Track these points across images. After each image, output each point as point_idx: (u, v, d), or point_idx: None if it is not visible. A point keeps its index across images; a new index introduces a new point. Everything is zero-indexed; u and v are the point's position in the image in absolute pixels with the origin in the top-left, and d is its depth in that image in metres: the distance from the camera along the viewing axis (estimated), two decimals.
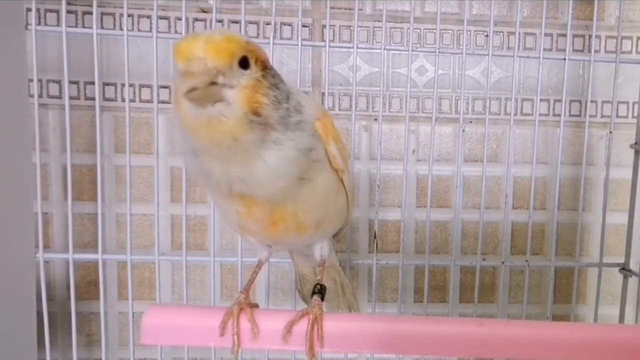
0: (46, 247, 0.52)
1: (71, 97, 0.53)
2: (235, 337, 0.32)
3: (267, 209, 0.32)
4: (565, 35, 0.57)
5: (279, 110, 0.28)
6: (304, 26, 0.57)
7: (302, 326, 0.32)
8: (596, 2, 0.55)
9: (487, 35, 0.59)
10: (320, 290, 0.35)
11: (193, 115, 0.27)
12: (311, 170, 0.31)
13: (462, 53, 0.52)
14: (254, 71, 0.28)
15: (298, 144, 0.29)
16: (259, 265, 0.39)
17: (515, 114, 0.60)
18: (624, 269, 0.57)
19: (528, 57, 0.56)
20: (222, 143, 0.27)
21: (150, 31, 0.51)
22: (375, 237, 0.57)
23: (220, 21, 0.56)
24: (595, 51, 0.56)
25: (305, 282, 0.47)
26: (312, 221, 0.34)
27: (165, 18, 0.56)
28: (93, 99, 0.55)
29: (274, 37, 0.51)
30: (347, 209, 0.38)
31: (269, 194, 0.30)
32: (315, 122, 0.31)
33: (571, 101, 0.61)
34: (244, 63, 0.27)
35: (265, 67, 0.28)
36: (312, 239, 0.37)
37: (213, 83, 0.26)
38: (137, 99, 0.57)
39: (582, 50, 0.60)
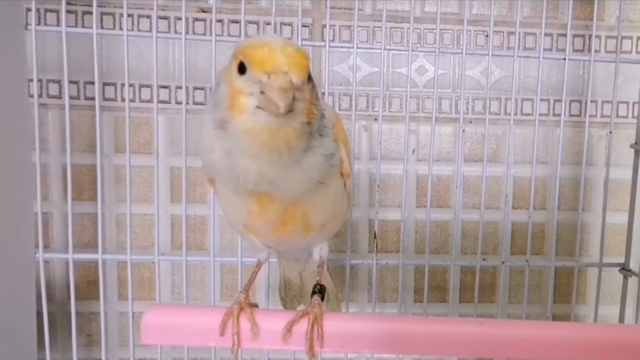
0: (46, 247, 0.52)
1: (71, 97, 0.53)
2: (235, 337, 0.32)
3: (281, 209, 0.32)
4: (565, 35, 0.57)
5: (319, 119, 0.30)
6: (304, 26, 0.57)
7: (302, 326, 0.32)
8: (596, 2, 0.55)
9: (487, 35, 0.59)
10: (320, 290, 0.35)
11: (261, 122, 0.27)
12: (328, 175, 0.32)
13: (462, 53, 0.52)
14: (310, 84, 0.29)
15: (325, 150, 0.31)
16: (258, 265, 0.39)
17: (515, 114, 0.60)
18: (624, 269, 0.57)
19: (528, 57, 0.56)
20: (279, 149, 0.28)
21: (150, 31, 0.51)
22: (375, 237, 0.57)
23: (220, 21, 0.56)
24: (595, 51, 0.55)
25: (289, 288, 0.47)
26: (319, 222, 0.34)
27: (165, 18, 0.56)
28: (93, 99, 0.55)
29: None
30: (346, 211, 0.38)
31: (291, 195, 0.31)
32: (332, 127, 0.32)
33: (571, 101, 0.61)
34: (309, 78, 0.29)
35: (310, 77, 0.29)
36: (315, 240, 0.37)
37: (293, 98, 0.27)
38: (137, 99, 0.57)
39: (582, 50, 0.60)
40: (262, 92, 0.27)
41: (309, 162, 0.30)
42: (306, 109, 0.28)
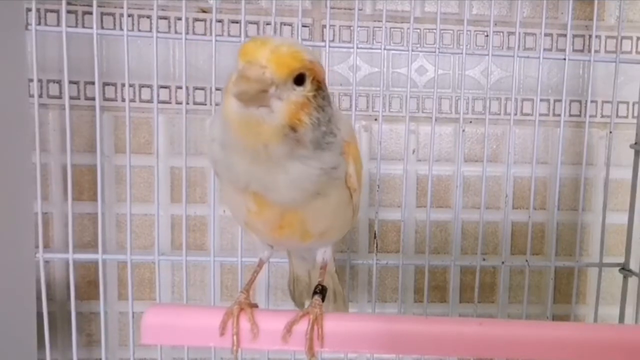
0: (46, 247, 0.52)
1: (71, 97, 0.53)
2: (235, 337, 0.32)
3: (278, 213, 0.32)
4: (565, 35, 0.57)
5: (316, 131, 0.29)
6: (304, 26, 0.57)
7: (302, 326, 0.32)
8: (596, 2, 0.55)
9: (487, 35, 0.59)
10: (321, 291, 0.35)
11: (236, 111, 0.27)
12: (329, 187, 0.32)
13: (462, 53, 0.52)
14: (307, 89, 0.28)
15: (323, 163, 0.30)
16: (260, 264, 0.39)
17: (515, 114, 0.60)
18: (624, 269, 0.57)
19: (528, 57, 0.56)
20: (253, 145, 0.28)
21: (150, 31, 0.51)
22: (375, 237, 0.57)
23: (220, 21, 0.56)
24: (595, 51, 0.55)
25: (297, 283, 0.47)
26: (317, 230, 0.34)
27: (165, 18, 0.56)
28: (93, 99, 0.55)
29: None
30: (351, 221, 0.38)
31: (283, 201, 0.31)
32: (344, 144, 0.32)
33: (571, 101, 0.61)
34: (299, 80, 0.28)
35: (319, 87, 0.29)
36: (314, 245, 0.37)
37: (264, 91, 0.27)
38: (137, 99, 0.57)
39: (582, 50, 0.60)
40: None
41: (299, 172, 0.29)
42: (290, 112, 0.28)
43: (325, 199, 0.32)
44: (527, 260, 0.56)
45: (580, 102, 0.61)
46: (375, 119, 0.59)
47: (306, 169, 0.30)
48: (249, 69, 0.26)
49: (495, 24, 0.59)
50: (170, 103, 0.58)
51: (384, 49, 0.52)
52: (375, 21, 0.59)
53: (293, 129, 0.28)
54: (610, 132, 0.54)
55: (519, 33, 0.58)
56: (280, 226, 0.33)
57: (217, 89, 0.50)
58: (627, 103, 0.61)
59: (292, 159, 0.29)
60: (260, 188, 0.30)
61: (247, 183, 0.30)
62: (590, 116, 0.58)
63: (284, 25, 0.58)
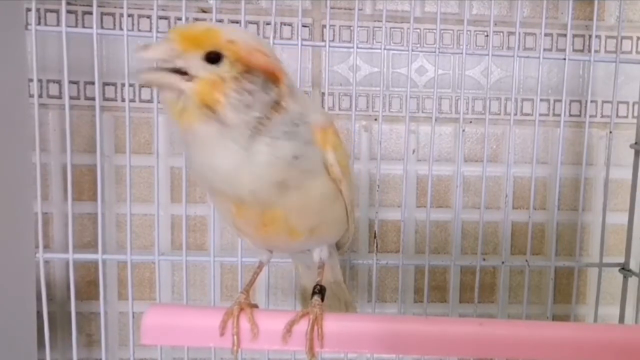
0: (46, 247, 0.52)
1: (71, 97, 0.53)
2: (235, 337, 0.32)
3: (257, 211, 0.31)
4: (565, 35, 0.57)
5: (242, 114, 0.28)
6: (304, 26, 0.57)
7: (302, 326, 0.32)
8: (596, 2, 0.55)
9: (487, 35, 0.59)
10: (320, 291, 0.35)
11: (162, 98, 0.29)
12: (299, 177, 0.31)
13: (462, 53, 0.52)
14: (224, 69, 0.28)
15: (276, 151, 0.29)
16: (260, 266, 0.39)
17: (515, 114, 0.60)
18: (624, 269, 0.57)
19: (528, 57, 0.56)
20: (183, 127, 0.29)
21: (150, 31, 0.51)
22: (375, 237, 0.57)
23: (220, 21, 0.56)
24: (595, 51, 0.55)
25: (307, 297, 0.47)
26: (305, 227, 0.34)
27: (165, 18, 0.56)
28: (93, 99, 0.55)
29: (274, 37, 0.51)
30: (346, 218, 0.37)
31: (244, 193, 0.30)
32: (315, 131, 0.31)
33: (571, 101, 0.61)
34: (213, 58, 0.28)
35: (246, 71, 0.28)
36: (307, 244, 0.37)
37: (175, 70, 0.28)
38: (137, 99, 0.57)
39: (582, 50, 0.60)
40: None
41: (257, 160, 0.29)
42: (201, 91, 0.27)
43: (302, 192, 0.31)
44: (527, 260, 0.56)
45: (580, 102, 0.61)
46: (375, 119, 0.58)
47: (262, 156, 0.29)
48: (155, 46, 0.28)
49: (495, 24, 0.59)
50: None
51: (384, 49, 0.52)
52: (375, 21, 0.59)
53: (210, 108, 0.28)
54: (610, 132, 0.54)
55: (519, 33, 0.58)
56: (264, 224, 0.32)
57: None
58: (627, 103, 0.61)
59: (228, 143, 0.28)
60: (220, 183, 0.30)
61: (207, 177, 0.30)
62: (590, 116, 0.58)
63: (284, 25, 0.58)
